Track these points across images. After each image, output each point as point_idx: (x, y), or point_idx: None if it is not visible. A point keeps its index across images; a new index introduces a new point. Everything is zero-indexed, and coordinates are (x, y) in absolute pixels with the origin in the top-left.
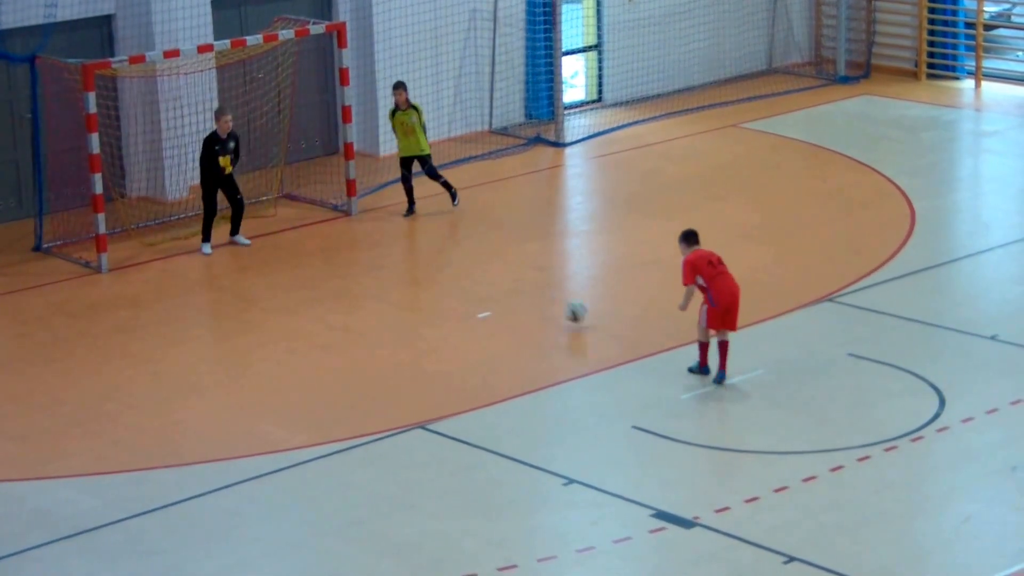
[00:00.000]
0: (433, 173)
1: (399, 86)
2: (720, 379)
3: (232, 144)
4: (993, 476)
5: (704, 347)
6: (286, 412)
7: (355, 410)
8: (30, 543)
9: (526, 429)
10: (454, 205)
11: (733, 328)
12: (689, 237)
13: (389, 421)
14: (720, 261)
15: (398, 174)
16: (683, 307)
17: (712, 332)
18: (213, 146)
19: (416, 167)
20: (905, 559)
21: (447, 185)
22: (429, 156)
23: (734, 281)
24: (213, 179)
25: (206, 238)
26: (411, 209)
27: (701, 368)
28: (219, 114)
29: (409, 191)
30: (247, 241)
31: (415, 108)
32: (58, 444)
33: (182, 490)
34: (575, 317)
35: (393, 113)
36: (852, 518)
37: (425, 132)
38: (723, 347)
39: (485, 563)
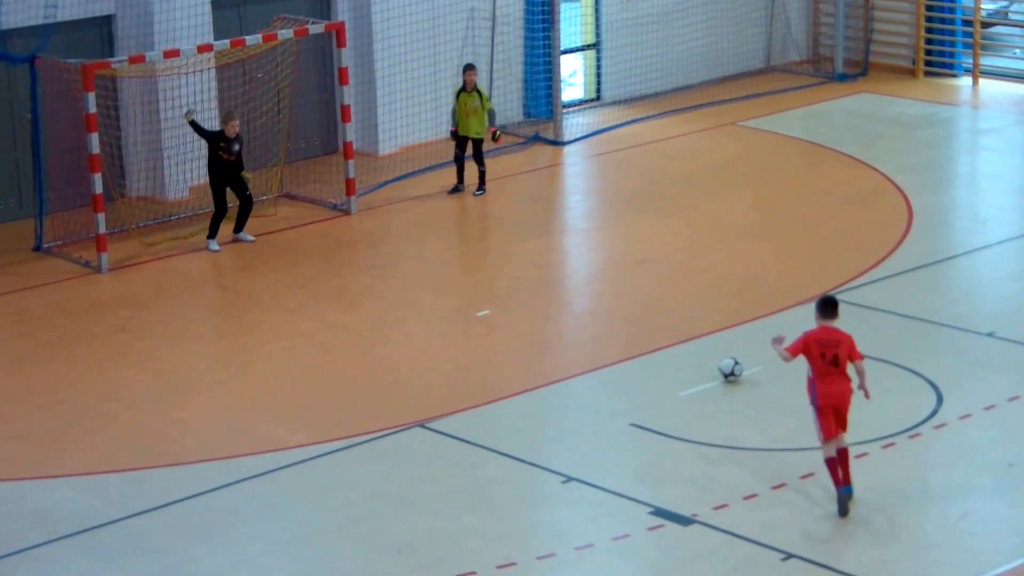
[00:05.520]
0: (480, 159)
1: (472, 68)
2: (846, 492)
3: (236, 146)
4: (991, 473)
5: (832, 464)
6: (286, 410)
7: (354, 408)
8: (30, 542)
9: (525, 427)
10: (476, 193)
11: (843, 429)
12: (823, 307)
13: (388, 419)
14: (835, 360)
15: (396, 173)
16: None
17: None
18: (218, 143)
19: (469, 149)
20: (903, 555)
21: (483, 175)
22: (482, 140)
23: (846, 384)
24: (220, 176)
25: (212, 235)
26: (459, 187)
27: (839, 489)
28: (227, 118)
29: (460, 169)
30: (251, 238)
31: (479, 92)
32: (58, 443)
33: (182, 489)
34: (732, 372)
35: (459, 94)
36: (850, 515)
37: (491, 117)
38: (841, 455)
39: (484, 561)
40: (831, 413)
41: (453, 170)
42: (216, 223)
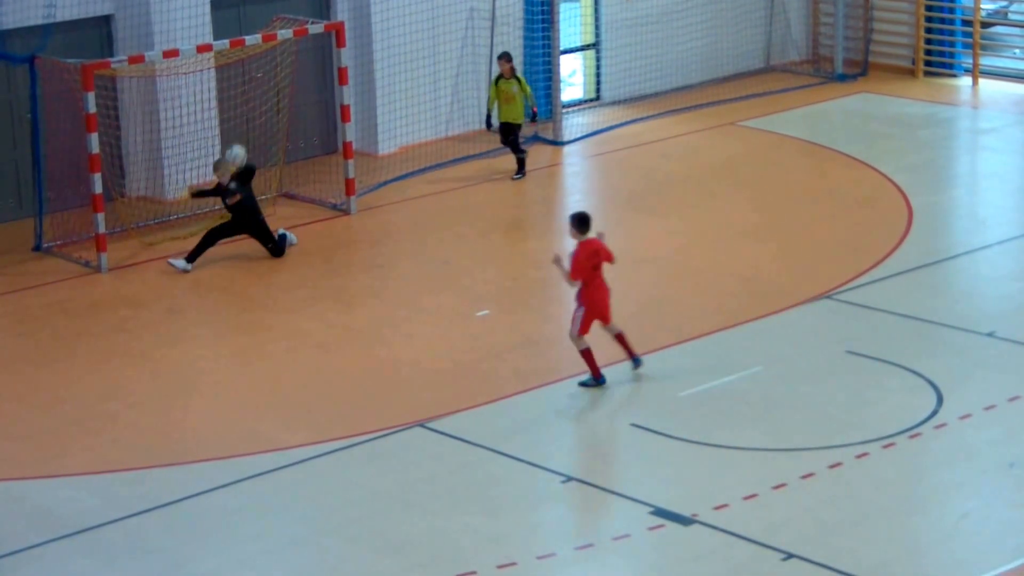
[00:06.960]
0: (516, 144)
1: (507, 56)
2: (638, 363)
3: (234, 185)
4: (991, 473)
5: (588, 355)
6: (286, 410)
7: (354, 408)
8: (30, 542)
9: (525, 427)
10: (515, 177)
11: (608, 321)
12: (582, 222)
13: (388, 419)
14: (599, 266)
15: (396, 173)
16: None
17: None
18: (222, 194)
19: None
20: (903, 555)
21: (522, 161)
22: (520, 126)
23: (606, 286)
24: (236, 224)
25: (191, 258)
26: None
27: (597, 380)
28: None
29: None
30: (294, 239)
31: (518, 79)
32: (58, 443)
33: (182, 489)
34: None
35: (496, 81)
36: (850, 515)
37: (528, 101)
38: (620, 338)
39: (484, 561)
40: (594, 317)
41: (454, 168)
42: (201, 249)
